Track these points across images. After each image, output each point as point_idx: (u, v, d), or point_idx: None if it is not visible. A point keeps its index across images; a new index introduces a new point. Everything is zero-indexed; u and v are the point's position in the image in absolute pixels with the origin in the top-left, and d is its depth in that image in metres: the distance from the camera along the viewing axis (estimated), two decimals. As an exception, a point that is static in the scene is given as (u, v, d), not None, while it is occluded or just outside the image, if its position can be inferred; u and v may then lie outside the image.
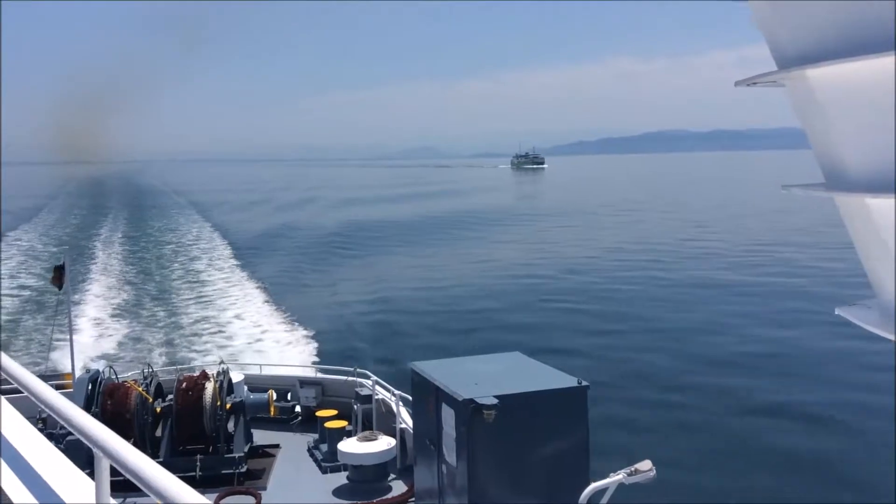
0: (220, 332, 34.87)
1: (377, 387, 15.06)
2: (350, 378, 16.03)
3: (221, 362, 15.38)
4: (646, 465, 7.64)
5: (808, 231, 67.05)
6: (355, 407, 14.90)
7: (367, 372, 15.79)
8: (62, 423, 4.87)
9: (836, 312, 3.39)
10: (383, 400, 14.83)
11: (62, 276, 15.34)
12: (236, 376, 15.55)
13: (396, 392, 14.10)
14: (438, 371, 10.39)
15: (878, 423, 21.57)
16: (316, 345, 31.59)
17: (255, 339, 33.08)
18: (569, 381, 9.86)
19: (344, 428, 14.34)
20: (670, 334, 32.93)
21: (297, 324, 35.29)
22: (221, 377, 14.40)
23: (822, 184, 3.29)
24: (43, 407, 5.24)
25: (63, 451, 5.94)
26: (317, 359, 28.75)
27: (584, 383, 9.71)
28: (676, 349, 30.68)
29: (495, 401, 9.08)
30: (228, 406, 14.10)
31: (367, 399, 14.95)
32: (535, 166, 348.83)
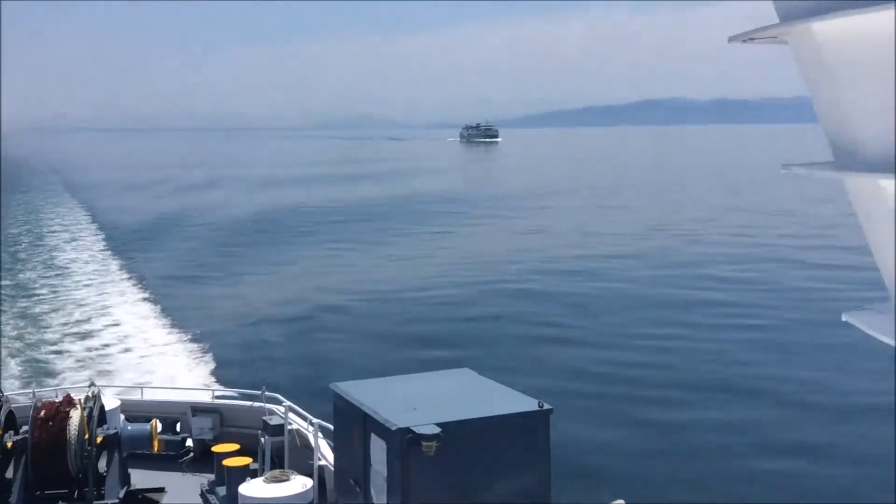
0: (91, 345, 34.34)
1: (290, 414, 14.95)
2: (256, 404, 15.89)
3: (91, 384, 15.05)
4: None
5: (827, 220, 68.79)
6: (262, 440, 14.77)
7: (279, 396, 15.68)
8: None
9: (843, 318, 3.48)
10: (298, 431, 14.74)
11: None
12: (110, 402, 15.29)
13: (315, 421, 14.01)
14: (367, 393, 10.36)
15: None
16: (214, 362, 31.30)
17: (136, 354, 32.67)
18: (528, 403, 9.93)
19: (247, 466, 14.21)
20: (644, 346, 33.68)
21: (190, 335, 34.92)
22: (91, 403, 14.15)
23: (829, 163, 3.35)
24: None
25: None
26: (214, 380, 28.50)
27: (546, 406, 9.79)
28: (651, 363, 31.40)
29: (437, 429, 9.09)
30: (100, 440, 13.86)
31: (278, 430, 14.83)
32: (487, 140, 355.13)
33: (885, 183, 3.02)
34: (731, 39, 3.57)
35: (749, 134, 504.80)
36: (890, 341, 3.14)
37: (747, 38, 3.47)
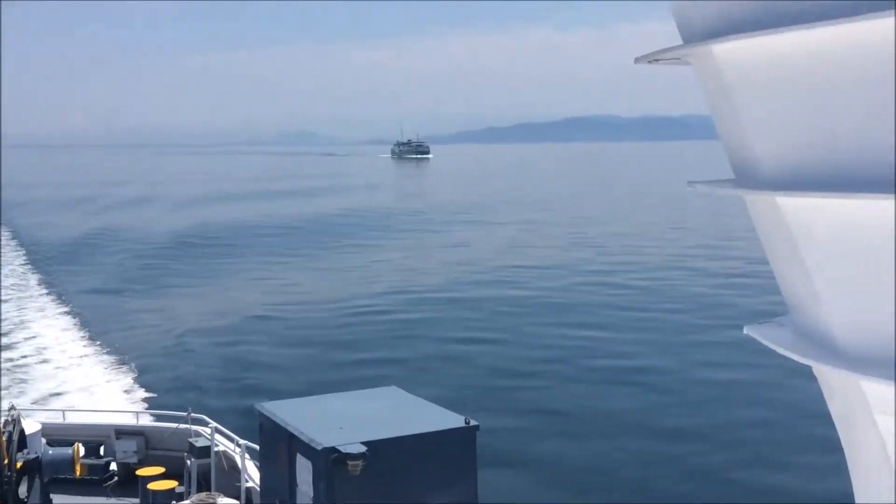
0: (11, 366, 33.44)
1: (217, 436, 14.80)
2: (182, 426, 15.70)
3: (11, 408, 14.75)
4: None
5: (730, 233, 70.90)
6: (188, 462, 14.60)
7: (205, 417, 15.52)
8: None
9: (745, 332, 3.58)
10: (225, 452, 14.60)
11: None
12: (31, 426, 14.98)
13: (242, 442, 13.91)
14: (293, 413, 10.30)
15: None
16: (139, 383, 30.77)
17: (58, 375, 32.00)
18: (455, 420, 9.98)
19: (173, 490, 14.04)
20: (568, 361, 34.10)
21: (114, 356, 34.29)
22: (10, 427, 13.85)
23: (731, 180, 3.46)
24: None
25: None
26: (139, 400, 28.14)
27: (473, 422, 9.85)
28: (575, 377, 31.92)
29: (363, 448, 9.08)
30: (20, 465, 13.59)
31: (205, 452, 14.67)
32: (418, 156, 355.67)
33: (782, 200, 3.12)
34: (637, 60, 3.66)
35: (670, 150, 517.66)
36: (789, 354, 3.25)
37: (652, 59, 3.56)
